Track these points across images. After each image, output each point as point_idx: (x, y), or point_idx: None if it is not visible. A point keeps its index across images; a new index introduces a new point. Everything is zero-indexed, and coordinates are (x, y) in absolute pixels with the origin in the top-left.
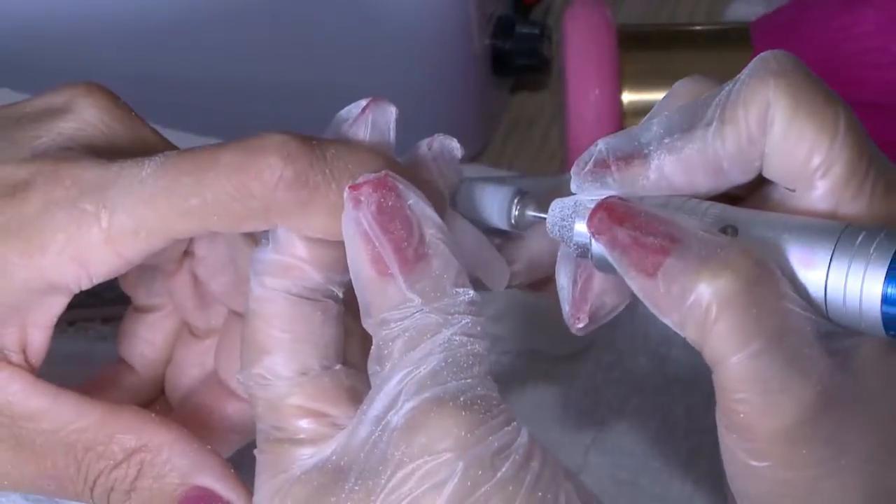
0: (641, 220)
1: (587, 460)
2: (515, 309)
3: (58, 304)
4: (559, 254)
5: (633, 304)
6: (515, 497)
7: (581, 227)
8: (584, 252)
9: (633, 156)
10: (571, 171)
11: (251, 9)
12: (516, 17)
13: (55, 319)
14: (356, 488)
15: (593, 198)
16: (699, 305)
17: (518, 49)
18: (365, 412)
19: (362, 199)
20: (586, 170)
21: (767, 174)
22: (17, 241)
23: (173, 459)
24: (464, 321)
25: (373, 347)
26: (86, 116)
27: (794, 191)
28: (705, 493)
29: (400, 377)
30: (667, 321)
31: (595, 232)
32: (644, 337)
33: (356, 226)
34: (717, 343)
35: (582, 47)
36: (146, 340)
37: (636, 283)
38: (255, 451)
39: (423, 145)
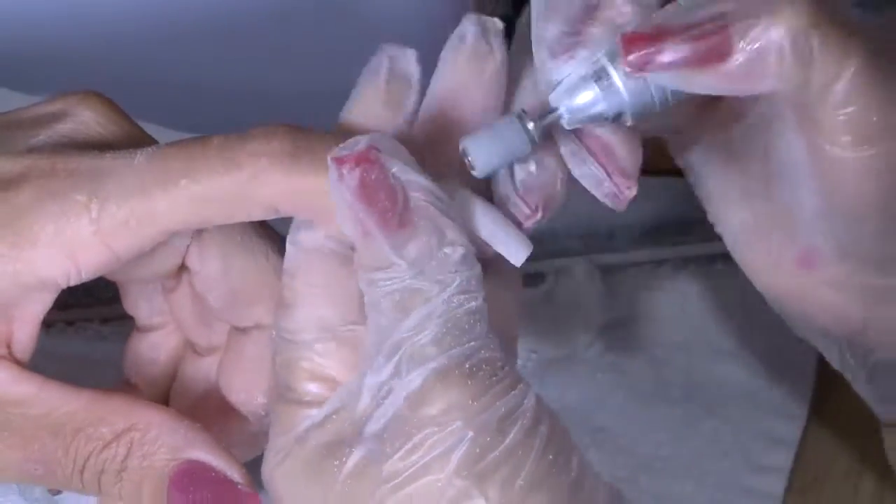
0: (676, 23)
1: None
2: None
3: (45, 300)
4: (564, 152)
5: (634, 306)
6: (525, 461)
7: (585, 97)
8: (615, 114)
9: (591, 8)
10: (542, 65)
11: (251, 11)
12: (515, 18)
13: (42, 316)
14: (361, 456)
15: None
16: (796, 41)
17: None
18: (365, 375)
19: (345, 173)
20: (559, 49)
21: None
22: (7, 233)
23: (163, 437)
24: (457, 281)
25: (365, 302)
26: (82, 118)
27: None
28: (705, 493)
29: (397, 341)
30: (763, 86)
31: (640, 68)
32: (644, 338)
33: (341, 195)
34: (828, 63)
35: None
36: (150, 360)
37: (712, 80)
38: (270, 409)
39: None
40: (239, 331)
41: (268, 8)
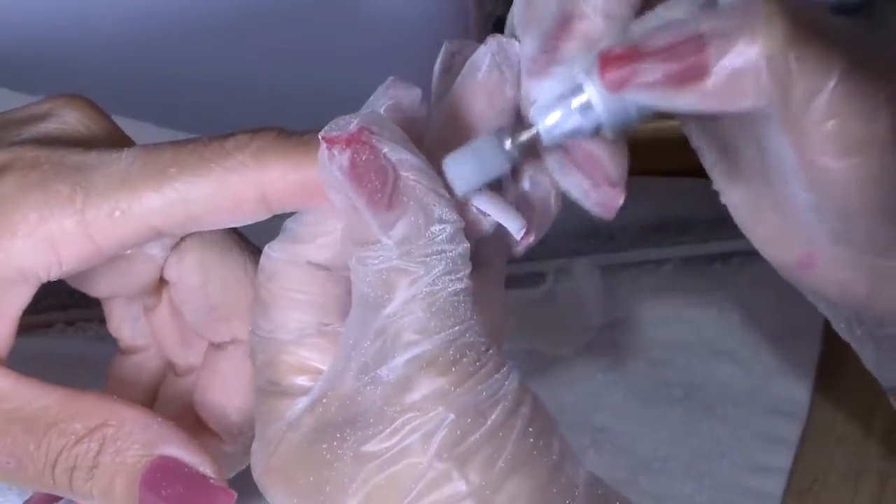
0: (653, 43)
1: (586, 460)
2: (515, 309)
3: (25, 294)
4: (550, 165)
5: (634, 306)
6: (507, 443)
7: (562, 115)
8: (594, 128)
9: (565, 23)
10: (526, 83)
11: (251, 11)
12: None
13: (20, 310)
14: (348, 438)
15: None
16: (774, 59)
17: None
18: (349, 357)
19: (336, 153)
20: (535, 67)
21: None
22: None
23: (136, 433)
24: (443, 262)
25: (352, 279)
26: (66, 119)
27: None
28: (704, 493)
29: (382, 325)
30: (742, 104)
31: (617, 87)
32: (643, 338)
33: (330, 177)
34: (807, 79)
35: None
36: (132, 382)
37: (690, 99)
38: (254, 408)
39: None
40: (215, 347)
41: (268, 7)
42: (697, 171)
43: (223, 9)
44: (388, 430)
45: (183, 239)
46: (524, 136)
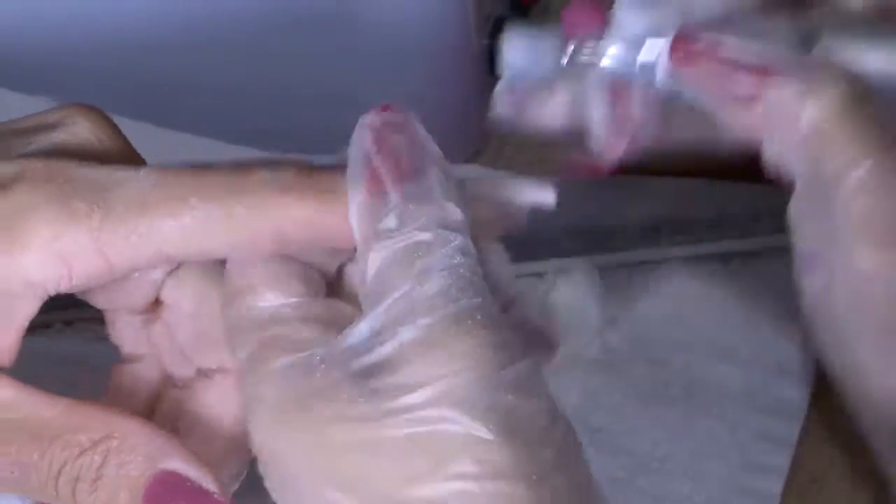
0: (727, 49)
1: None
2: None
3: (32, 306)
4: (588, 85)
5: (633, 306)
6: (540, 413)
7: (646, 56)
8: (647, 85)
9: None
10: (618, 1)
11: (250, 11)
12: (514, 18)
13: (27, 322)
14: (360, 399)
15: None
16: (820, 121)
17: None
18: (356, 324)
19: (371, 116)
20: None
21: None
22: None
23: (139, 446)
24: (458, 238)
25: (368, 272)
26: (77, 130)
27: None
28: (703, 493)
29: (401, 293)
30: (770, 146)
31: (677, 69)
32: (643, 338)
33: (360, 144)
34: (839, 156)
35: None
36: (130, 391)
37: (732, 115)
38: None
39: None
40: (202, 374)
41: (268, 7)
42: (698, 172)
43: (223, 10)
44: (418, 393)
45: (182, 263)
46: (585, 55)
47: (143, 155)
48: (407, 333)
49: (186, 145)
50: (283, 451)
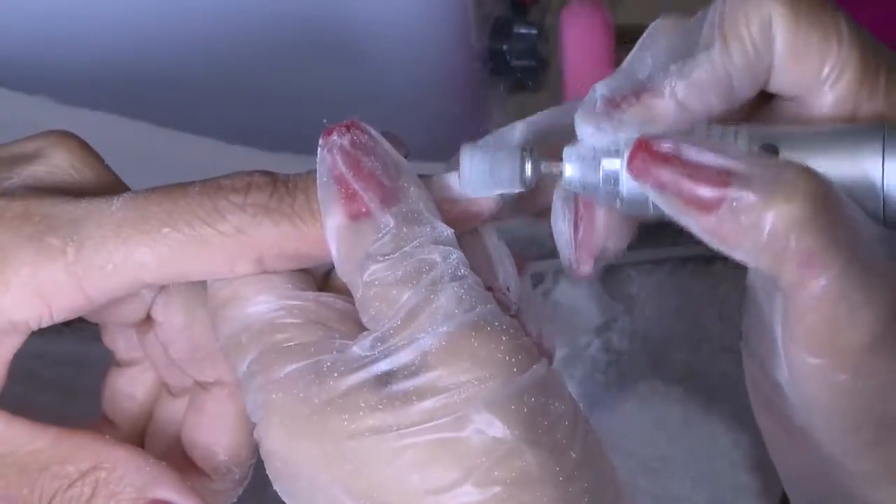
0: (688, 155)
1: None
2: None
3: (15, 342)
4: (555, 197)
5: (633, 306)
6: (565, 418)
7: (588, 171)
8: (610, 198)
9: (641, 90)
10: (577, 118)
11: (250, 11)
12: (514, 18)
13: (10, 357)
14: (379, 407)
15: (603, 144)
16: (775, 234)
17: (516, 49)
18: (365, 335)
19: (335, 138)
20: (597, 111)
21: (775, 88)
22: None
23: (128, 476)
24: (456, 253)
25: (360, 294)
26: (56, 161)
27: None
28: (703, 492)
29: (414, 303)
30: (734, 253)
31: (638, 175)
32: (642, 339)
33: (331, 167)
34: (798, 268)
35: (580, 47)
36: (127, 395)
37: (693, 221)
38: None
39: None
40: (200, 388)
41: (268, 7)
42: None
43: (222, 10)
44: (442, 398)
45: None
46: (547, 169)
47: (143, 155)
48: (427, 340)
49: (186, 145)
50: (298, 460)
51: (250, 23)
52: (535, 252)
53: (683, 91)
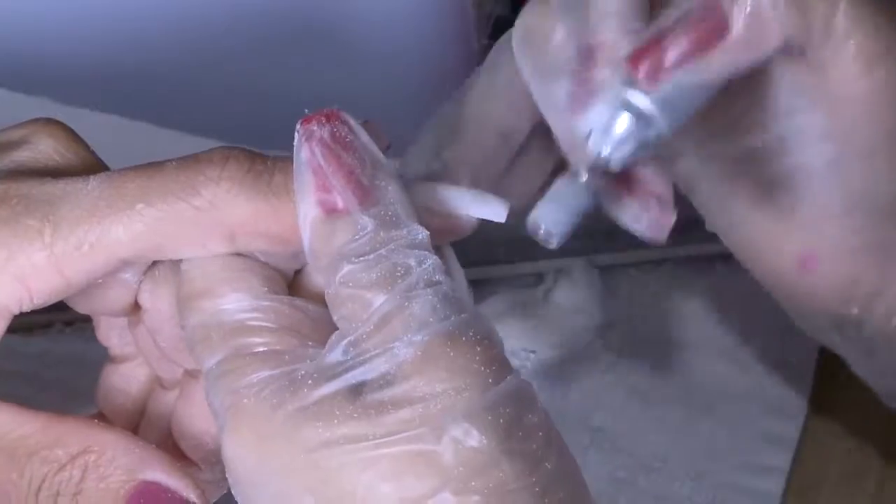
0: (667, 23)
1: (586, 460)
2: (515, 309)
3: None
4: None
5: (633, 306)
6: (551, 438)
7: (621, 130)
8: (655, 138)
9: (589, 51)
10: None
11: (249, 11)
12: (514, 18)
13: None
14: (354, 416)
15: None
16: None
17: None
18: (338, 340)
19: (314, 128)
20: (566, 106)
21: None
22: None
23: (118, 458)
24: (431, 258)
25: (332, 291)
26: (40, 147)
27: None
28: (704, 493)
29: (387, 310)
30: (768, 47)
31: (652, 77)
32: (643, 338)
33: (308, 159)
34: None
35: None
36: (121, 391)
37: (725, 58)
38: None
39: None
40: (189, 376)
41: (267, 7)
42: None
43: (222, 10)
44: (418, 408)
45: (156, 266)
46: (596, 167)
47: (143, 155)
48: (402, 349)
49: (186, 145)
50: (266, 467)
51: (250, 24)
52: (535, 252)
53: (616, 23)
